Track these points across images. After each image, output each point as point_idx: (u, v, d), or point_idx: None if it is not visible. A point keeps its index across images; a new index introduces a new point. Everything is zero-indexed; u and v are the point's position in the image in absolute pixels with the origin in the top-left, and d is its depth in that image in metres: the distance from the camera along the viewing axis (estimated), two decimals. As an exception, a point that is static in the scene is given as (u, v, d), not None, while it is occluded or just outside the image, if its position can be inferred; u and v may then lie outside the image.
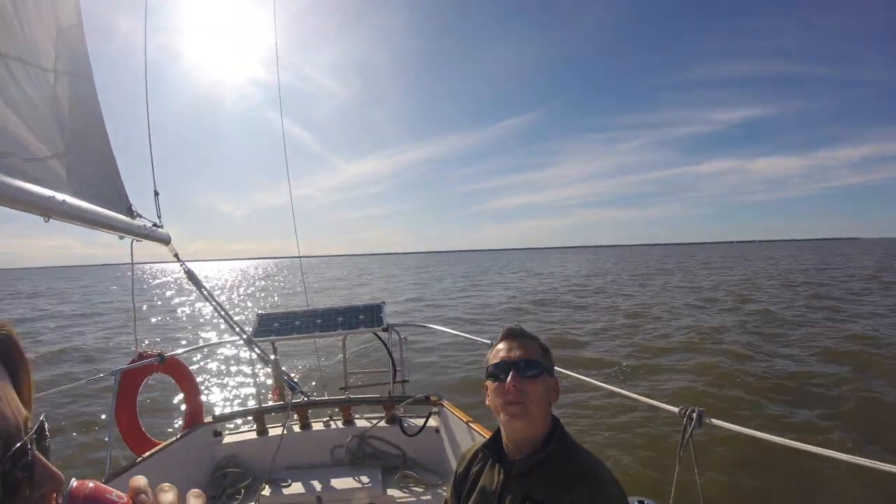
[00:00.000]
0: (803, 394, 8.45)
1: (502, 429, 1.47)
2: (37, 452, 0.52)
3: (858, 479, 5.14)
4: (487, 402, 1.45)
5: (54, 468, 0.52)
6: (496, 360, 1.44)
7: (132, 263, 2.87)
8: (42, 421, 0.54)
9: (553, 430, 1.43)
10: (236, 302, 32.44)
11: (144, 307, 29.00)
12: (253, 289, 46.63)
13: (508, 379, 1.36)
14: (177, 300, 34.44)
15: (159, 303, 32.71)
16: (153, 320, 22.89)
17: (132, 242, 2.66)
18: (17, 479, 0.49)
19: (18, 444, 0.49)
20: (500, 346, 1.47)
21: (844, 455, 1.41)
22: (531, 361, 1.40)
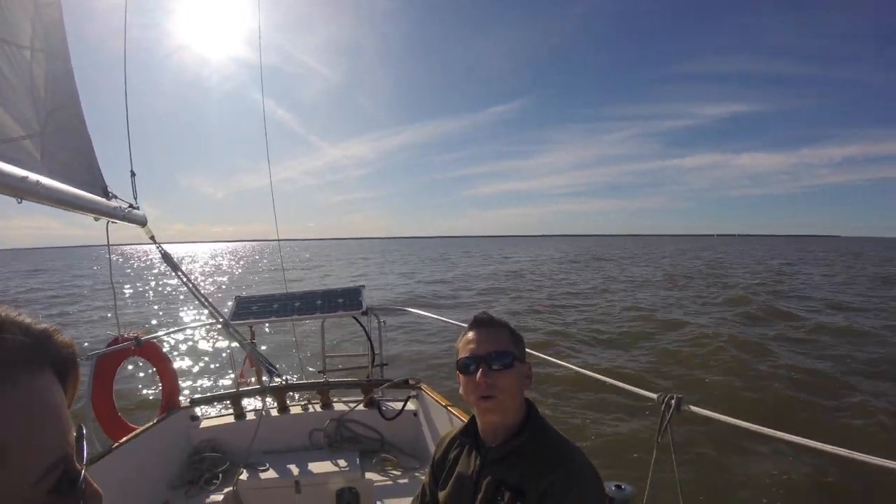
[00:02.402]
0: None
1: (477, 418, 1.48)
2: (87, 474, 0.52)
3: (834, 466, 5.30)
4: (461, 392, 1.45)
5: (96, 485, 0.53)
6: (465, 353, 1.42)
7: (108, 245, 2.82)
8: (82, 431, 0.54)
9: (528, 415, 1.44)
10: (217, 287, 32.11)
11: (127, 293, 28.57)
12: (227, 276, 46.38)
13: (478, 375, 1.36)
14: (154, 282, 34.03)
15: (139, 286, 32.25)
16: (130, 303, 22.63)
17: (108, 224, 2.61)
18: (72, 501, 0.49)
19: (81, 471, 0.51)
20: (469, 335, 1.45)
21: (817, 443, 1.44)
22: (500, 353, 1.39)
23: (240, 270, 49.94)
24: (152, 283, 33.87)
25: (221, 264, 61.29)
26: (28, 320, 0.50)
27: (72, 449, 0.51)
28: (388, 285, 28.36)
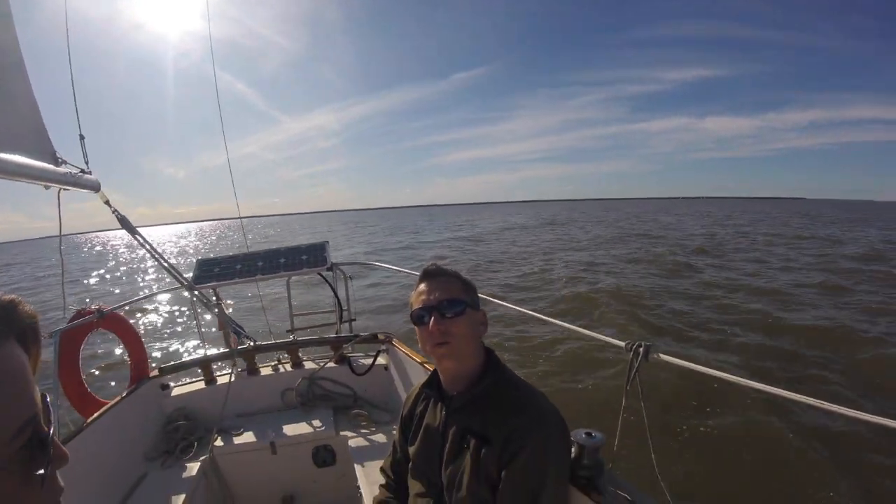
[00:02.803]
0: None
1: (437, 368, 1.50)
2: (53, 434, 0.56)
3: (801, 413, 5.58)
4: (419, 345, 1.46)
5: (63, 447, 0.57)
6: (418, 305, 1.44)
7: (59, 216, 2.70)
8: (46, 398, 0.57)
9: (487, 362, 1.46)
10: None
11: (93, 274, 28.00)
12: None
13: (430, 323, 1.39)
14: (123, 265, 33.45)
15: (105, 270, 31.61)
16: (92, 282, 22.20)
17: (59, 192, 2.51)
18: (41, 459, 0.53)
19: (49, 430, 0.55)
20: (420, 287, 1.48)
21: (782, 391, 1.48)
22: (452, 301, 1.41)
23: (205, 251, 49.13)
24: (126, 267, 33.21)
25: (186, 246, 59.93)
26: None
27: (39, 410, 0.54)
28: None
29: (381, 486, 1.74)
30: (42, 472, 0.53)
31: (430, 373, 1.56)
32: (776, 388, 1.48)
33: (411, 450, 1.57)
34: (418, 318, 1.43)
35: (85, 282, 24.82)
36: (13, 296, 0.57)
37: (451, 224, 63.96)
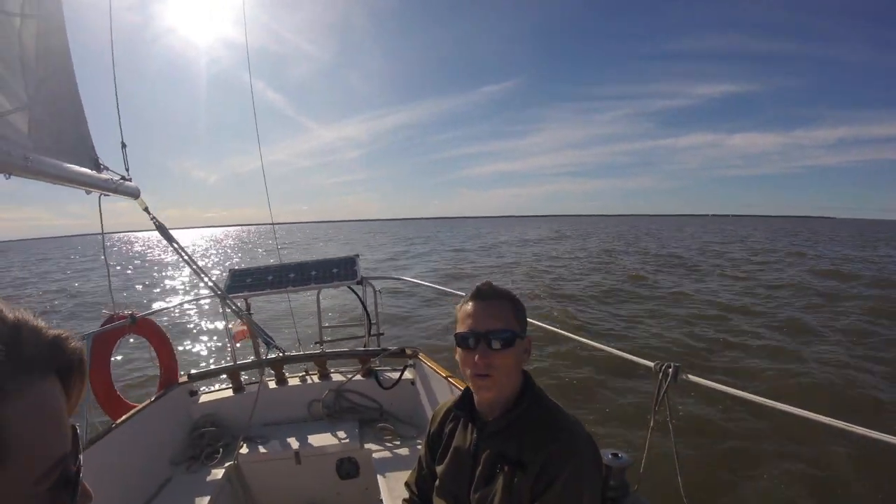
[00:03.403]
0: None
1: (473, 393, 1.45)
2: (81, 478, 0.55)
3: (837, 440, 5.32)
4: (457, 358, 1.40)
5: (87, 486, 0.55)
6: (464, 328, 1.37)
7: (101, 221, 2.78)
8: (76, 432, 0.56)
9: (524, 386, 1.41)
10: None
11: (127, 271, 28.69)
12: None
13: (476, 357, 1.32)
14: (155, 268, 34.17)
15: (129, 270, 32.37)
16: (132, 287, 22.72)
17: (100, 197, 2.58)
18: (67, 500, 0.52)
19: (77, 470, 0.54)
20: (469, 307, 1.39)
21: (819, 416, 1.44)
22: (502, 331, 1.33)
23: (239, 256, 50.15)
24: (156, 268, 33.95)
25: (221, 251, 61.23)
26: (42, 325, 0.53)
27: (69, 450, 0.53)
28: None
29: (405, 500, 1.70)
30: None
31: (457, 388, 1.53)
32: (811, 413, 1.43)
33: (439, 469, 1.53)
34: (463, 342, 1.36)
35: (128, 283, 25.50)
36: (61, 330, 0.55)
37: (465, 235, 67.07)
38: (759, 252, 32.50)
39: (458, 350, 1.38)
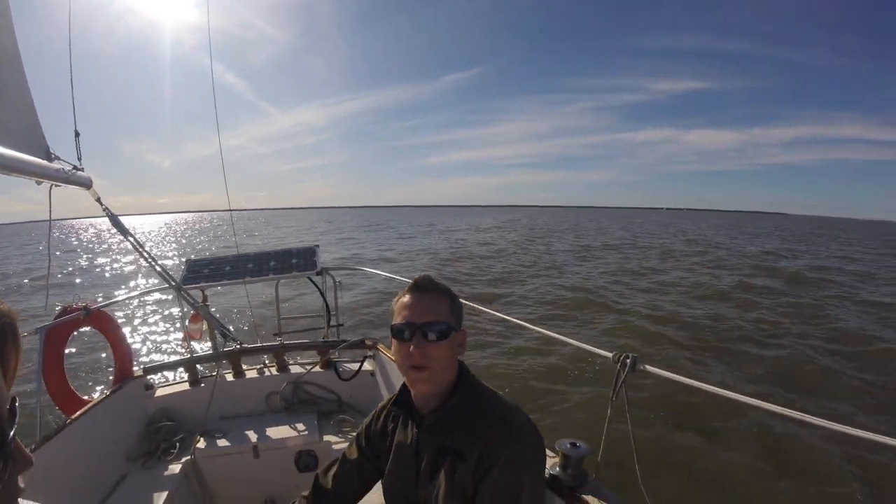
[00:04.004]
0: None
1: (408, 386, 1.46)
2: (16, 437, 0.55)
3: (787, 427, 5.63)
4: (393, 356, 1.42)
5: (26, 450, 0.56)
6: (399, 319, 1.37)
7: (49, 211, 2.69)
8: (15, 402, 0.56)
9: (459, 377, 1.42)
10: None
11: (71, 266, 27.68)
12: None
13: (412, 347, 1.33)
14: (102, 259, 33.09)
15: (84, 262, 31.29)
16: (77, 280, 21.96)
17: (51, 188, 2.49)
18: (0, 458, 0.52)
19: (10, 433, 0.53)
20: (405, 299, 1.40)
21: (770, 405, 1.49)
22: (437, 323, 1.34)
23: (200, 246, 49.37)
24: (102, 259, 32.90)
25: (172, 238, 60.18)
26: None
27: (4, 414, 0.53)
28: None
29: (304, 496, 1.66)
30: None
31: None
32: (762, 402, 1.49)
33: (386, 468, 1.53)
34: (398, 333, 1.36)
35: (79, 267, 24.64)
36: None
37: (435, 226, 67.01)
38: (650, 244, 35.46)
39: (394, 342, 1.39)
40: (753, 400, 1.50)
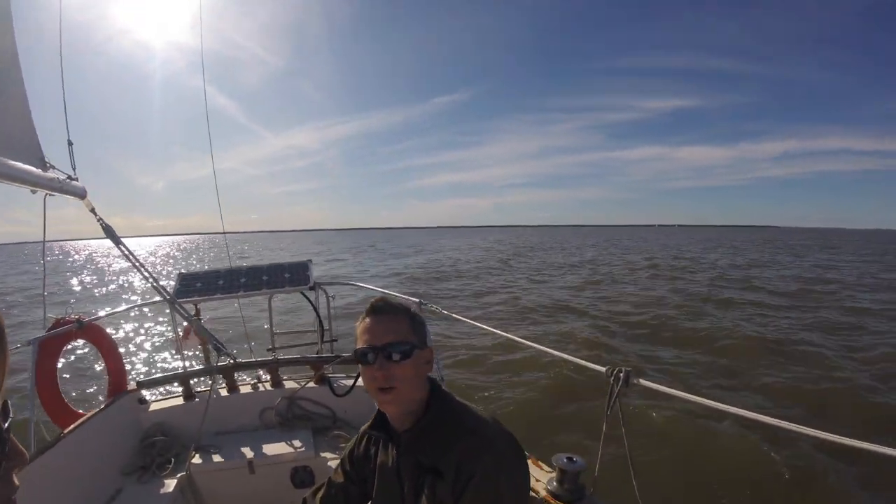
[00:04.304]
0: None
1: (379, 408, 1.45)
2: (11, 433, 0.56)
3: (791, 440, 5.55)
4: (362, 381, 1.41)
5: (20, 446, 0.56)
6: (361, 343, 1.38)
7: (44, 222, 2.68)
8: (6, 401, 0.57)
9: (431, 394, 1.41)
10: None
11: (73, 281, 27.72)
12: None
13: (376, 369, 1.33)
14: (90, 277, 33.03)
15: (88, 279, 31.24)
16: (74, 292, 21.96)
17: (45, 198, 2.49)
18: None
19: (5, 424, 0.54)
20: (366, 322, 1.40)
21: (767, 418, 1.49)
22: (398, 343, 1.35)
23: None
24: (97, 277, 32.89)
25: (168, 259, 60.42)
26: None
27: None
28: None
29: None
30: None
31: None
32: (756, 413, 1.49)
33: (373, 494, 1.52)
34: (362, 357, 1.36)
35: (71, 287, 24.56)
36: None
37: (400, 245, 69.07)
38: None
39: (360, 367, 1.39)
40: (748, 412, 1.50)
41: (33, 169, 2.30)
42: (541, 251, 51.08)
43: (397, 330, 1.37)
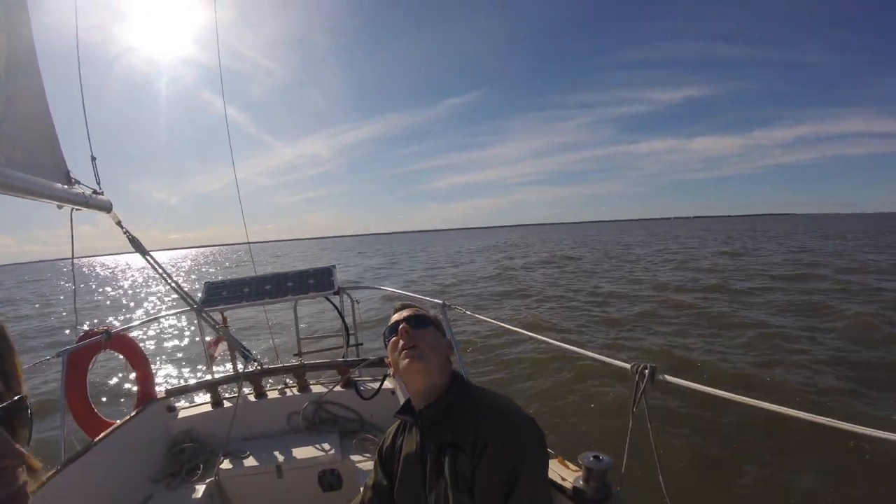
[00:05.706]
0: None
1: (406, 383, 1.50)
2: (10, 432, 0.56)
3: (818, 436, 5.30)
4: (390, 360, 1.51)
5: (17, 445, 0.56)
6: (390, 325, 1.53)
7: (72, 236, 2.74)
8: (17, 398, 0.58)
9: (452, 379, 1.47)
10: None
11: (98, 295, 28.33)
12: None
13: (400, 328, 1.47)
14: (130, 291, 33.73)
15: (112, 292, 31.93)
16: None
17: (72, 212, 2.54)
18: None
19: None
20: (393, 316, 1.56)
21: (797, 412, 1.46)
22: (420, 316, 1.52)
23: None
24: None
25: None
26: None
27: None
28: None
29: None
30: None
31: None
32: (785, 408, 1.46)
33: (397, 482, 1.54)
34: (390, 332, 1.51)
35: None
36: None
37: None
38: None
39: (389, 344, 1.51)
40: (782, 408, 1.47)
41: (61, 185, 2.35)
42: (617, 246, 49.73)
43: (418, 311, 1.55)
